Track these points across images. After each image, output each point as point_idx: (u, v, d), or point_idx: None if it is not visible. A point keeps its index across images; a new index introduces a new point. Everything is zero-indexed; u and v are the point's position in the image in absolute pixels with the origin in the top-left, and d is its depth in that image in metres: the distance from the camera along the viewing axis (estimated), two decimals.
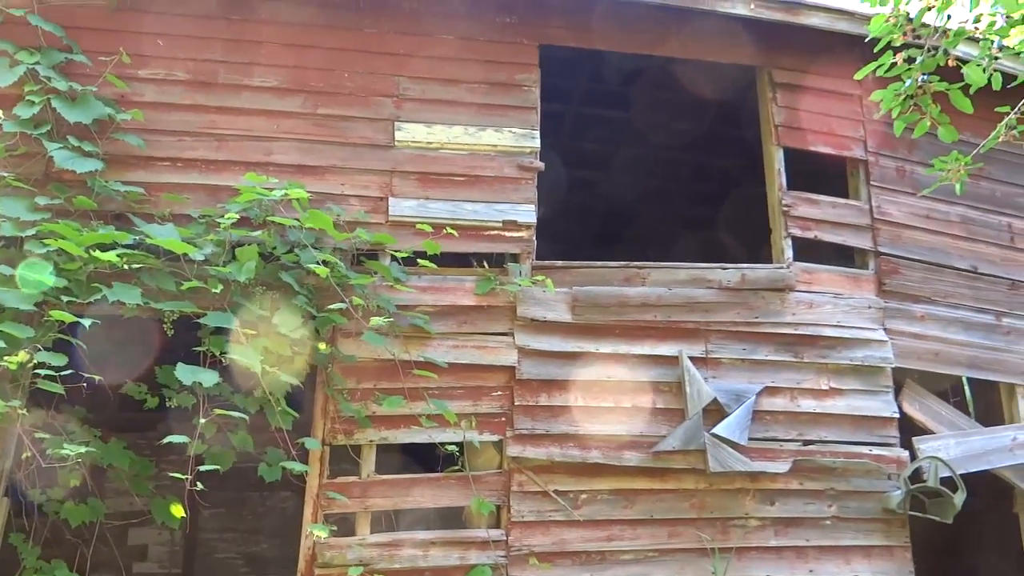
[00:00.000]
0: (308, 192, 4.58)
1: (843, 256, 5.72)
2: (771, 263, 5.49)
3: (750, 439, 5.03)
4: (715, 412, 5.04)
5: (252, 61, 5.04)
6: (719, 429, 4.97)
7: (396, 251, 4.83)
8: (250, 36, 5.08)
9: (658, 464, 4.96)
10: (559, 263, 5.19)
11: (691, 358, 5.12)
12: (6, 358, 3.59)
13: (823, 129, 5.72)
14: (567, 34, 5.50)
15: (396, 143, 5.10)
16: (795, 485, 5.11)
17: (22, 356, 3.57)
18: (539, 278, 4.94)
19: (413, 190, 5.07)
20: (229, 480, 5.24)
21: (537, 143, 5.26)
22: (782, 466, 5.07)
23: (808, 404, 5.23)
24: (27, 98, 4.47)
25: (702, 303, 5.26)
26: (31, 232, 4.14)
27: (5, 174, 4.33)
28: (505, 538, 4.70)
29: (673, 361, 5.12)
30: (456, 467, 4.73)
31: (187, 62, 4.97)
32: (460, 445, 4.71)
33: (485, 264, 5.05)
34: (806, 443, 5.17)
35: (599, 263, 5.27)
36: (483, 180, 5.17)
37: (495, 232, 5.11)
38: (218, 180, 4.82)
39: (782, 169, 5.59)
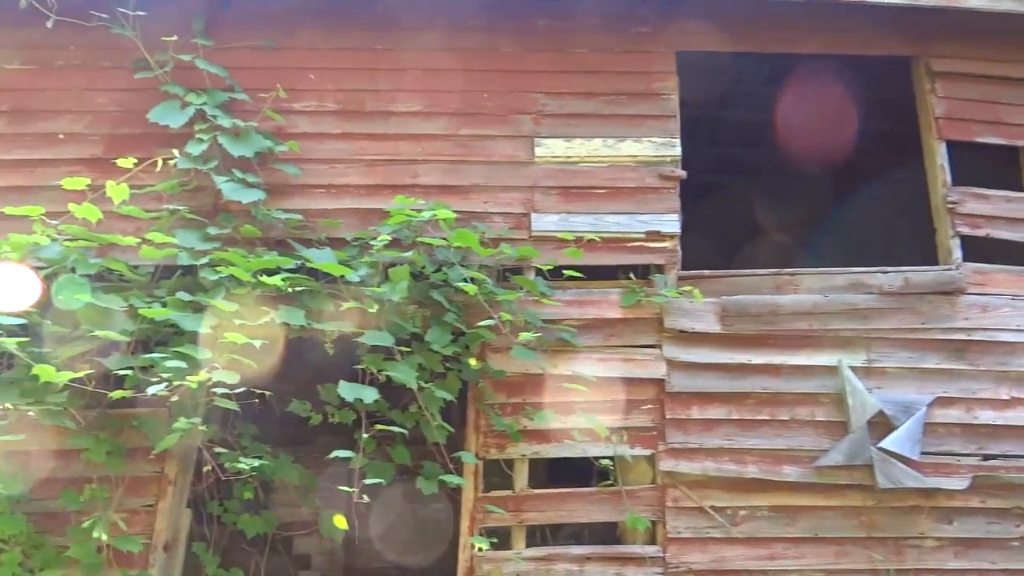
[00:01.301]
0: (453, 211, 4.68)
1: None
2: (937, 264, 5.15)
3: (922, 453, 4.71)
4: (881, 425, 4.75)
5: (397, 88, 5.22)
6: (887, 443, 4.68)
7: (540, 265, 4.85)
8: (393, 64, 5.26)
9: (821, 480, 4.72)
10: (706, 272, 5.06)
11: (852, 368, 4.85)
12: (188, 377, 3.84)
13: (990, 118, 5.32)
14: (704, 39, 5.38)
15: (536, 159, 5.14)
16: (976, 503, 4.73)
17: (202, 375, 3.81)
18: (687, 288, 4.83)
19: (555, 205, 5.09)
20: (383, 491, 5.41)
21: (678, 151, 5.17)
22: (960, 482, 4.70)
23: (987, 416, 4.84)
24: (197, 136, 4.80)
25: (861, 309, 4.98)
26: (204, 260, 4.43)
27: (180, 208, 4.66)
28: (662, 555, 4.59)
29: (832, 371, 4.87)
30: (608, 482, 4.67)
31: (337, 93, 5.20)
32: (612, 459, 4.65)
33: (631, 276, 4.99)
34: (986, 458, 4.79)
35: (747, 271, 5.10)
36: (624, 191, 5.13)
37: (638, 243, 5.05)
38: (369, 204, 5.01)
39: (945, 164, 5.24)
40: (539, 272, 4.90)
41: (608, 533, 4.88)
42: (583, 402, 4.72)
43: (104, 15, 4.95)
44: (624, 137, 5.18)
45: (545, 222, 5.04)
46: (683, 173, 5.15)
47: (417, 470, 4.65)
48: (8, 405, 4.10)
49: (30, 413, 4.05)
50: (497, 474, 4.76)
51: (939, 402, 4.83)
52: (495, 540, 4.39)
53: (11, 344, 3.79)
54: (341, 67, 5.26)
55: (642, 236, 5.05)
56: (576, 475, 4.97)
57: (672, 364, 4.86)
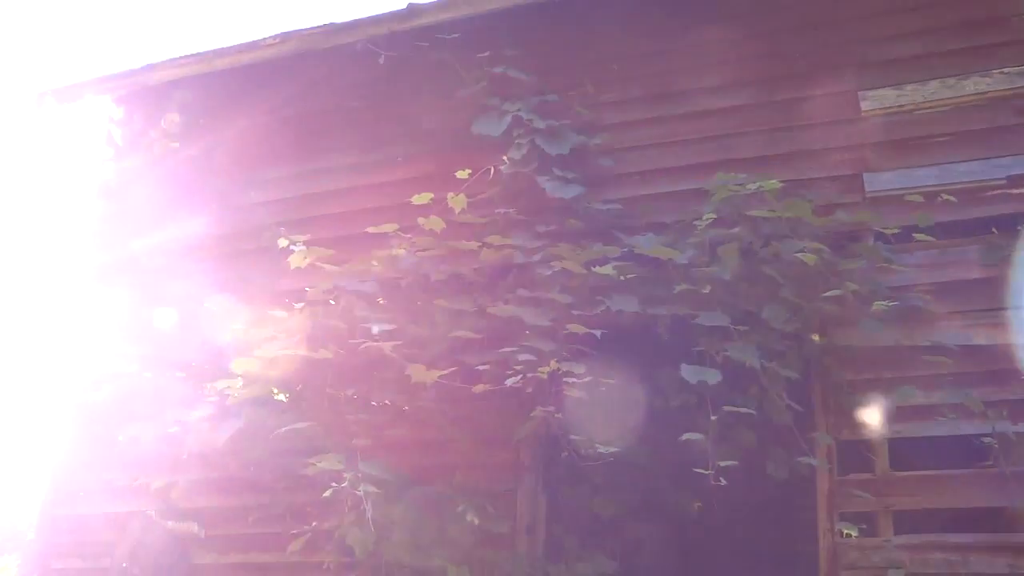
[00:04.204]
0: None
1: None
2: None
3: None
4: None
5: (700, 63, 5.11)
6: None
7: (882, 229, 4.45)
8: (694, 40, 5.15)
9: None
10: None
11: None
12: (539, 368, 4.05)
13: None
14: None
15: (863, 113, 4.73)
16: None
17: (552, 365, 4.00)
18: None
19: (889, 161, 4.65)
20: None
21: None
22: None
23: None
24: (516, 141, 5.06)
25: None
26: (537, 258, 4.66)
27: (509, 210, 4.94)
28: None
29: None
30: (988, 463, 4.15)
31: (641, 79, 5.22)
32: (992, 437, 4.13)
33: (993, 230, 4.40)
34: None
35: None
36: (973, 135, 4.54)
37: (997, 191, 4.44)
38: (684, 185, 4.93)
39: None
40: (879, 236, 4.50)
41: (990, 521, 4.33)
42: (948, 374, 4.25)
43: (424, 43, 5.41)
44: (967, 73, 4.59)
45: (880, 181, 4.63)
46: None
47: (763, 453, 4.49)
48: (386, 401, 4.63)
49: (405, 408, 4.53)
50: (850, 456, 4.45)
51: None
52: (864, 527, 4.10)
53: (387, 347, 4.26)
54: (641, 52, 5.27)
55: (1002, 182, 4.43)
56: (942, 456, 4.50)
57: None
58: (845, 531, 4.03)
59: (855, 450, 4.39)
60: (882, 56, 4.76)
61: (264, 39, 5.78)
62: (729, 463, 3.96)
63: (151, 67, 6.08)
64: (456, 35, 5.38)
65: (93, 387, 5.30)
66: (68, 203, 6.12)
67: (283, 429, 4.44)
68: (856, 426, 4.35)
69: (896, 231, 4.40)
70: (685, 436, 3.98)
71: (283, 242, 4.77)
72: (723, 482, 3.88)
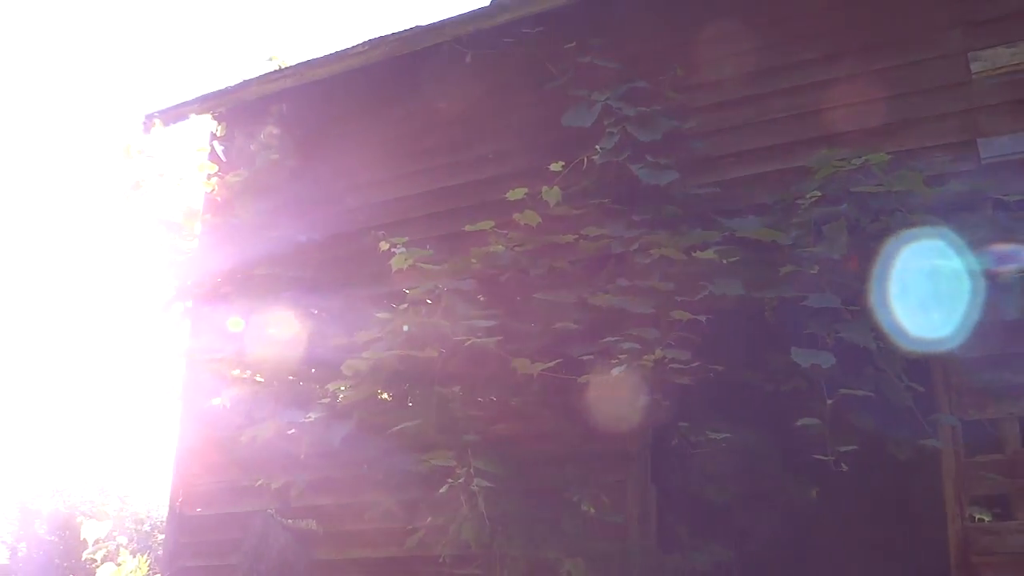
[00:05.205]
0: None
1: None
2: None
3: None
4: None
5: (795, 35, 4.96)
6: None
7: (1001, 197, 4.22)
8: (786, 13, 5.01)
9: None
10: None
11: None
12: (644, 357, 4.02)
13: None
14: None
15: (974, 76, 4.49)
16: None
17: (658, 353, 3.96)
18: None
19: (1006, 124, 4.39)
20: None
21: None
22: None
23: None
24: (607, 131, 5.02)
25: None
26: (635, 246, 4.61)
27: (605, 200, 4.92)
28: None
29: None
30: None
31: (732, 57, 5.10)
32: None
33: None
34: None
35: None
36: None
37: None
38: (782, 164, 4.80)
39: None
40: (999, 204, 4.26)
41: None
42: None
43: (509, 39, 5.43)
44: None
45: (997, 146, 4.38)
46: None
47: (882, 436, 4.33)
48: (492, 397, 4.68)
49: (511, 402, 4.57)
50: (977, 436, 4.23)
51: None
52: (998, 510, 3.90)
53: (491, 342, 4.31)
54: (731, 29, 5.13)
55: None
56: None
57: None
58: (977, 515, 3.83)
59: (982, 430, 4.19)
60: (991, 12, 4.51)
61: (353, 47, 5.92)
62: (848, 448, 3.83)
63: (247, 83, 6.33)
64: (540, 28, 5.38)
65: (213, 393, 5.55)
66: (178, 219, 6.41)
67: (394, 428, 4.55)
68: (982, 404, 4.15)
69: (1017, 198, 4.17)
70: (801, 422, 3.88)
71: (384, 245, 4.88)
72: (844, 467, 3.76)
